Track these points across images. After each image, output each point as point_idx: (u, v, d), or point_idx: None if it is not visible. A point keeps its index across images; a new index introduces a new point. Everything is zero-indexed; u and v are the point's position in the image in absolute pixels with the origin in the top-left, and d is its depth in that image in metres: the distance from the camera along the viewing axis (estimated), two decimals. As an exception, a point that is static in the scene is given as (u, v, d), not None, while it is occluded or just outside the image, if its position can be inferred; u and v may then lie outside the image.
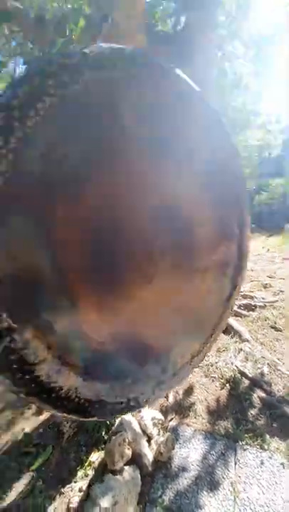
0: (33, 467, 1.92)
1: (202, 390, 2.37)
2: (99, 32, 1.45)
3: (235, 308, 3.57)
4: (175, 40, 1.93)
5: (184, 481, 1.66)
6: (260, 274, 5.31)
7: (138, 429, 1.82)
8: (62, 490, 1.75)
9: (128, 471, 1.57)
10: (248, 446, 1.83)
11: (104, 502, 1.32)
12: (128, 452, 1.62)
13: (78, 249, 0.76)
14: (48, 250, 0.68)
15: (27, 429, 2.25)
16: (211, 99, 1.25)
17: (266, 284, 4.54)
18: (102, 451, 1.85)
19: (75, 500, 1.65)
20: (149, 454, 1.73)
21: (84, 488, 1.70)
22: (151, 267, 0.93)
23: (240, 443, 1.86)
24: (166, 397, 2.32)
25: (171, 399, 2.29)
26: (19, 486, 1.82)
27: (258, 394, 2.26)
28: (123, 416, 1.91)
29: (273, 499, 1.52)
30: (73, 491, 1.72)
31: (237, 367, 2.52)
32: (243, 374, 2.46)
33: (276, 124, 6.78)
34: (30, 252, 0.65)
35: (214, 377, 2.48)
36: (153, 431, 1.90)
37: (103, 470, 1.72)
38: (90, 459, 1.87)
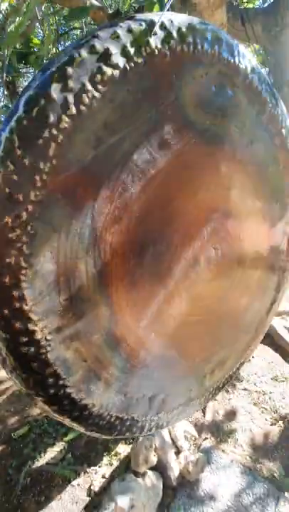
0: (66, 438, 2.05)
1: (247, 419, 2.08)
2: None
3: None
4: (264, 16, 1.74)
5: (209, 510, 1.48)
6: None
7: (168, 439, 1.72)
8: (87, 469, 1.81)
9: (151, 477, 1.49)
10: (297, 503, 1.50)
11: (121, 501, 1.28)
12: (153, 459, 1.54)
13: (124, 244, 0.65)
14: (94, 254, 0.59)
15: (67, 402, 2.43)
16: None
17: None
18: (129, 446, 1.83)
19: (97, 484, 1.69)
20: (175, 467, 1.61)
21: (107, 475, 1.72)
22: (197, 273, 0.83)
23: (287, 494, 1.54)
24: (203, 412, 2.13)
25: (208, 417, 2.10)
26: (52, 452, 1.97)
27: None
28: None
29: None
30: (97, 474, 1.76)
31: (296, 404, 2.12)
32: (303, 415, 2.05)
33: None
34: (77, 257, 0.57)
35: (265, 409, 2.15)
36: (184, 444, 1.76)
37: (127, 466, 1.69)
38: (116, 449, 1.88)
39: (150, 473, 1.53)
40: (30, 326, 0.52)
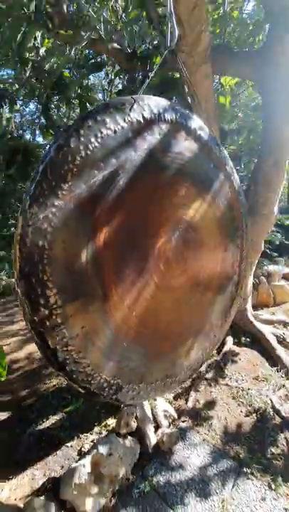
0: (66, 409, 2.41)
1: (224, 410, 2.32)
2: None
3: (293, 344, 3.19)
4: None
5: (177, 476, 1.75)
6: None
7: (149, 413, 2.01)
8: (80, 435, 2.14)
9: (130, 441, 1.80)
10: (254, 478, 1.73)
11: (102, 448, 1.60)
12: (133, 425, 1.85)
13: (114, 243, 0.90)
14: (91, 244, 0.85)
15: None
16: None
17: None
18: (117, 419, 2.14)
19: (87, 447, 2.01)
20: (152, 437, 1.90)
21: (95, 441, 2.04)
22: (169, 266, 1.15)
23: (246, 470, 1.78)
24: (186, 400, 2.40)
25: (190, 404, 2.36)
26: (52, 419, 2.33)
27: (286, 436, 2.04)
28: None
29: (262, 537, 1.43)
30: (87, 439, 2.08)
31: (272, 401, 2.32)
32: (276, 411, 2.25)
33: None
34: (79, 244, 0.82)
35: (242, 402, 2.37)
36: (163, 421, 2.05)
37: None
38: (106, 421, 2.19)
39: (130, 438, 1.83)
40: (46, 291, 0.73)
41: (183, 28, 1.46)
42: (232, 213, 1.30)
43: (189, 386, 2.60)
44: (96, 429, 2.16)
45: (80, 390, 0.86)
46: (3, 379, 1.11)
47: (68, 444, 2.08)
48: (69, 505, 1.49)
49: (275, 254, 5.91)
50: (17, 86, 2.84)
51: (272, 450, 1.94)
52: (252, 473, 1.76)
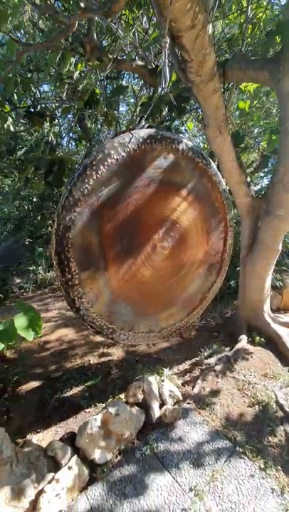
0: (86, 384, 2.78)
1: (228, 398, 2.46)
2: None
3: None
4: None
5: (175, 446, 1.98)
6: None
7: (155, 389, 2.26)
8: (97, 404, 2.48)
9: (136, 409, 2.08)
10: (246, 457, 1.88)
11: (111, 408, 1.91)
12: (139, 396, 2.12)
13: (113, 234, 1.30)
14: (98, 235, 1.22)
15: (91, 361, 3.18)
16: None
17: None
18: (128, 395, 2.43)
19: (99, 416, 2.33)
20: (156, 411, 2.15)
21: (109, 410, 2.35)
22: (155, 252, 1.42)
23: (240, 450, 1.93)
24: (193, 387, 2.59)
25: (196, 390, 2.55)
26: (75, 390, 2.71)
27: (285, 428, 2.13)
28: (149, 378, 2.41)
29: (239, 508, 1.59)
30: (102, 409, 2.41)
31: (276, 396, 2.40)
32: (279, 405, 2.33)
33: None
34: (90, 235, 1.20)
35: (246, 394, 2.49)
36: (168, 400, 2.28)
37: (123, 405, 2.30)
38: (120, 395, 2.50)
39: (137, 407, 2.11)
40: (69, 263, 1.16)
41: (188, 54, 1.68)
42: (216, 212, 1.52)
43: (197, 376, 2.78)
44: (110, 400, 2.48)
45: (89, 327, 1.30)
46: (39, 335, 1.48)
47: (87, 410, 2.44)
48: (82, 453, 1.82)
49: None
50: (56, 105, 3.31)
51: (270, 439, 2.05)
52: (245, 454, 1.91)
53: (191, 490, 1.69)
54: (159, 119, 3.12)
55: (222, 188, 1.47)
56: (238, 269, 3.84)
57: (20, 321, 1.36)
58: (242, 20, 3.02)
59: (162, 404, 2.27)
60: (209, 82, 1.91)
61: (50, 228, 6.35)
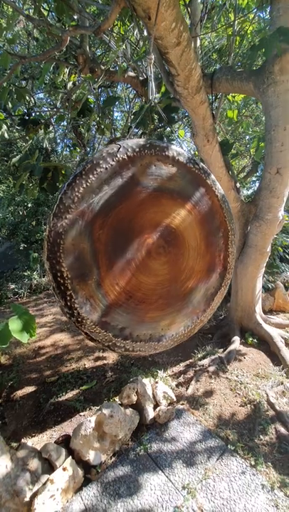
0: (82, 388, 2.80)
1: (221, 399, 2.51)
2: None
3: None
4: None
5: (169, 446, 2.02)
6: None
7: (149, 391, 2.30)
8: (92, 407, 2.51)
9: (130, 410, 2.11)
10: (237, 455, 1.93)
11: (105, 410, 1.95)
12: (133, 397, 2.16)
13: (106, 241, 1.36)
14: (90, 241, 1.26)
15: (86, 365, 3.20)
16: None
17: None
18: (122, 397, 2.46)
19: (94, 418, 2.36)
20: (150, 412, 2.19)
21: (103, 412, 2.38)
22: (150, 259, 1.48)
23: (232, 448, 1.97)
24: (187, 388, 2.64)
25: (189, 391, 2.59)
26: (70, 394, 2.73)
27: (276, 426, 2.18)
28: (143, 380, 2.45)
29: (230, 504, 1.64)
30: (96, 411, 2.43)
31: (268, 395, 2.46)
32: (270, 404, 2.39)
33: None
34: (82, 241, 1.22)
35: (238, 394, 2.54)
36: (162, 401, 2.32)
37: (118, 407, 2.33)
38: (115, 398, 2.53)
39: (131, 409, 2.14)
40: (61, 269, 1.20)
41: (175, 69, 1.78)
42: (213, 217, 1.56)
43: (191, 377, 2.83)
44: (105, 402, 2.51)
45: (83, 334, 1.26)
46: (33, 337, 1.51)
47: (82, 414, 2.46)
48: (76, 454, 1.85)
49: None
50: (50, 113, 3.40)
51: (261, 437, 2.10)
52: (236, 452, 1.95)
53: (183, 488, 1.72)
54: (151, 127, 3.22)
55: (218, 192, 1.52)
56: (230, 271, 3.92)
57: (14, 324, 1.40)
58: (230, 33, 3.16)
59: (156, 405, 2.31)
60: (196, 94, 2.01)
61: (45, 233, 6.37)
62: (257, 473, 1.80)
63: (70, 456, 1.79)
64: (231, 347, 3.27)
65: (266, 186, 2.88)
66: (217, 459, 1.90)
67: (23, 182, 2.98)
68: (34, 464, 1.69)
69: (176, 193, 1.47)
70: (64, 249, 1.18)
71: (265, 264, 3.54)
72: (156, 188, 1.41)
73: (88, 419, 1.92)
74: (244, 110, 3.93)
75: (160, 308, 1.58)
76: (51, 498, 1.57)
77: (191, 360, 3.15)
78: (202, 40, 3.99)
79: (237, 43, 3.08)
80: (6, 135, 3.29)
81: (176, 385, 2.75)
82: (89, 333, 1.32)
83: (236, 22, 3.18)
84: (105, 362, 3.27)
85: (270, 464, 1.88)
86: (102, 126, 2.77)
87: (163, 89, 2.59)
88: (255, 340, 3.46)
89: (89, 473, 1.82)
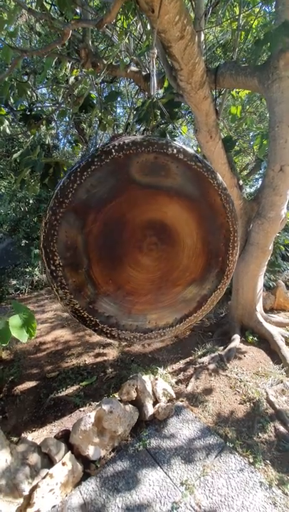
0: (82, 383, 2.81)
1: (221, 396, 2.52)
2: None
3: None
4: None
5: (168, 442, 2.03)
6: None
7: (149, 388, 2.31)
8: (91, 403, 2.52)
9: (130, 406, 2.12)
10: (236, 453, 1.93)
11: (105, 406, 1.95)
12: (133, 394, 2.16)
13: (97, 234, 1.35)
14: (82, 234, 1.29)
15: (87, 361, 3.21)
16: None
17: None
18: (122, 393, 2.47)
19: (93, 414, 2.37)
20: (150, 408, 2.20)
21: (103, 408, 2.39)
22: (142, 254, 1.47)
23: (230, 445, 1.98)
24: (186, 385, 2.65)
25: (189, 388, 2.60)
26: (70, 389, 2.75)
27: (275, 425, 2.18)
28: (143, 376, 2.46)
29: (228, 501, 1.65)
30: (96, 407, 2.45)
31: (267, 393, 2.46)
32: (270, 402, 2.39)
33: None
34: (74, 233, 1.25)
35: (238, 392, 2.54)
36: (161, 398, 2.33)
37: (117, 403, 2.35)
38: (114, 394, 2.54)
39: (130, 405, 2.15)
40: (54, 257, 1.23)
41: (178, 63, 1.75)
42: (215, 217, 1.53)
43: (191, 374, 2.83)
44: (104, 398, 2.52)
45: (72, 316, 1.33)
46: (33, 337, 1.51)
47: (81, 409, 2.48)
48: (76, 449, 1.86)
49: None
50: (52, 108, 3.37)
51: (260, 435, 2.11)
52: (235, 449, 1.96)
53: (182, 484, 1.73)
54: (154, 123, 3.19)
55: (222, 192, 1.49)
56: (231, 269, 3.91)
57: (15, 322, 1.40)
58: (234, 27, 3.11)
59: (156, 402, 2.32)
60: (199, 89, 1.98)
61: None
62: (255, 470, 1.81)
63: (70, 451, 1.81)
64: (231, 345, 3.27)
65: (269, 184, 2.85)
66: (216, 456, 1.91)
67: (25, 178, 2.97)
68: (34, 458, 1.70)
69: (173, 190, 1.44)
70: (57, 240, 1.22)
71: (266, 263, 3.53)
72: (151, 185, 1.39)
73: (88, 415, 1.93)
74: (248, 106, 3.88)
75: (149, 302, 1.57)
76: (50, 492, 1.58)
77: (191, 358, 3.15)
78: (206, 35, 3.93)
79: (242, 37, 3.03)
80: (7, 130, 3.27)
81: (176, 382, 2.75)
82: (76, 315, 1.35)
83: (241, 16, 3.13)
84: (105, 358, 3.28)
85: (268, 461, 1.88)
86: (105, 122, 2.75)
87: (166, 84, 2.56)
88: (255, 338, 3.45)
89: (88, 468, 1.83)
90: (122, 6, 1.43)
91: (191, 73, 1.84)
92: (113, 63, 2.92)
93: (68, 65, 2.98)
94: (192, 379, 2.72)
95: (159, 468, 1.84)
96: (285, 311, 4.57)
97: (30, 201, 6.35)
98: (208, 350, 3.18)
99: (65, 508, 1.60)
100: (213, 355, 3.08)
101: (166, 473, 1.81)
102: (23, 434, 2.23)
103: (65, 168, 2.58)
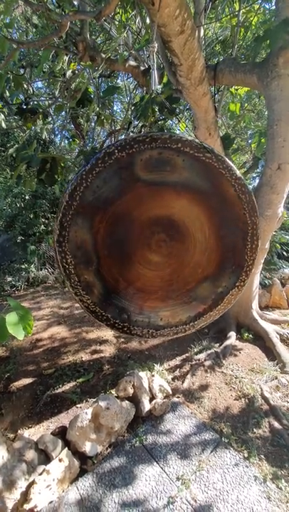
0: (79, 380, 2.82)
1: (216, 392, 2.54)
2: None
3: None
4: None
5: (164, 438, 2.04)
6: None
7: (145, 384, 2.32)
8: (88, 399, 2.53)
9: (126, 402, 2.13)
10: (231, 448, 1.96)
11: (101, 402, 1.96)
12: (130, 390, 2.17)
13: (105, 233, 1.34)
14: (90, 234, 1.29)
15: (84, 358, 3.21)
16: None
17: None
18: (118, 390, 2.48)
19: (90, 410, 2.38)
20: (146, 404, 2.21)
21: (100, 405, 2.40)
22: (150, 252, 1.46)
23: (226, 441, 2.01)
24: (182, 382, 2.67)
25: (185, 385, 2.62)
26: (67, 386, 2.75)
27: (269, 420, 2.22)
28: (139, 373, 2.47)
29: (224, 495, 1.67)
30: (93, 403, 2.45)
31: (262, 389, 2.49)
32: (264, 398, 2.42)
33: None
34: (83, 233, 1.27)
35: (233, 388, 2.57)
36: (158, 394, 2.34)
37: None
38: (111, 390, 2.55)
39: (127, 401, 2.16)
40: (66, 256, 1.23)
41: (178, 58, 1.73)
42: (229, 209, 1.41)
43: (187, 371, 2.85)
44: (101, 394, 2.53)
45: (84, 309, 1.37)
46: (30, 334, 1.51)
47: (78, 406, 2.48)
48: (72, 446, 1.87)
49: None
50: (49, 102, 3.32)
51: (255, 430, 2.14)
52: (230, 444, 1.99)
53: (178, 479, 1.75)
54: (152, 119, 3.17)
55: (236, 182, 1.38)
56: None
57: (11, 319, 1.39)
58: (234, 24, 3.08)
59: (152, 398, 2.33)
60: (198, 85, 1.97)
61: (42, 226, 6.32)
62: (250, 465, 1.84)
63: (66, 448, 1.81)
64: (227, 342, 3.30)
65: (267, 182, 2.86)
66: (211, 451, 1.93)
67: (21, 173, 2.93)
68: (30, 454, 1.70)
69: (180, 185, 1.41)
70: (68, 239, 1.25)
71: (263, 261, 3.55)
72: (157, 182, 1.37)
73: (85, 411, 1.94)
74: (246, 104, 3.87)
75: (160, 299, 1.57)
76: (47, 488, 1.59)
77: (187, 355, 3.18)
78: (205, 31, 3.90)
79: (241, 34, 3.01)
80: (3, 124, 3.22)
81: (172, 379, 2.77)
82: (88, 309, 1.38)
83: (241, 12, 3.11)
84: (102, 355, 3.28)
85: (262, 456, 1.91)
86: (102, 117, 2.71)
87: (165, 79, 2.53)
88: (250, 335, 3.49)
89: (85, 464, 1.84)
90: (121, -1, 1.40)
91: (191, 69, 1.83)
92: (111, 57, 2.88)
93: (66, 58, 2.93)
94: (188, 375, 2.75)
95: (155, 463, 1.86)
96: (280, 309, 4.61)
97: (27, 197, 6.28)
98: (205, 347, 3.21)
99: (61, 503, 1.60)
100: (209, 352, 3.10)
101: (162, 468, 1.82)
102: (19, 431, 2.23)
103: (62, 164, 2.55)
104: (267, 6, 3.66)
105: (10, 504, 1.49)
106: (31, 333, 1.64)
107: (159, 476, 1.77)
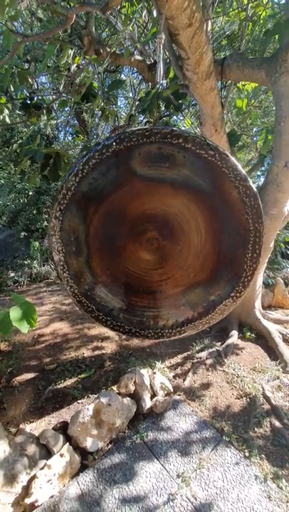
0: (80, 376, 2.83)
1: (218, 391, 2.54)
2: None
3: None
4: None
5: (165, 435, 2.05)
6: None
7: (147, 381, 2.32)
8: (90, 395, 2.54)
9: (128, 399, 2.14)
10: (232, 446, 1.96)
11: (103, 398, 1.96)
12: (131, 387, 2.18)
13: (98, 225, 1.32)
14: (83, 224, 1.29)
15: (85, 354, 3.23)
16: None
17: None
18: (120, 387, 2.49)
19: (92, 406, 2.39)
20: (148, 401, 2.22)
21: (101, 401, 2.41)
22: (141, 249, 1.44)
23: (226, 439, 2.01)
24: (184, 380, 2.66)
25: (186, 383, 2.62)
26: (69, 381, 2.76)
27: (271, 420, 2.21)
28: (141, 370, 2.47)
29: (224, 493, 1.67)
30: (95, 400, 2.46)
31: (263, 389, 2.48)
32: (266, 398, 2.41)
33: None
34: (76, 223, 1.27)
35: (235, 387, 2.57)
36: (159, 392, 2.35)
37: (115, 396, 2.36)
38: (112, 387, 2.56)
39: (128, 398, 2.17)
40: (58, 245, 1.24)
41: (185, 52, 1.70)
42: (230, 213, 1.35)
43: (188, 369, 2.85)
44: (103, 391, 2.54)
45: (71, 298, 1.38)
46: (34, 328, 1.51)
47: (80, 401, 2.49)
48: (74, 441, 1.88)
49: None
50: (53, 97, 3.29)
51: (256, 429, 2.14)
52: (231, 443, 1.98)
53: (178, 476, 1.76)
54: (157, 114, 3.13)
55: (241, 183, 1.31)
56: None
57: (15, 313, 1.39)
58: (242, 18, 3.02)
59: (153, 395, 2.34)
60: (206, 80, 1.93)
61: (46, 222, 6.32)
62: (251, 464, 1.84)
63: (68, 443, 1.82)
64: (229, 341, 3.29)
65: (273, 180, 2.82)
66: (212, 450, 1.93)
67: (25, 169, 2.91)
68: (32, 449, 1.71)
69: (178, 183, 1.38)
70: (61, 228, 1.27)
71: (266, 260, 3.52)
72: (155, 177, 1.34)
73: (86, 407, 1.94)
74: (253, 100, 3.81)
75: (147, 298, 1.53)
76: (48, 482, 1.60)
77: (188, 353, 3.17)
78: (212, 25, 3.83)
79: (249, 29, 2.95)
80: (7, 119, 3.20)
81: (174, 377, 2.77)
82: (75, 298, 1.39)
83: (249, 6, 3.04)
84: (104, 352, 3.29)
85: (263, 455, 1.91)
86: (107, 113, 2.68)
87: (171, 74, 2.49)
88: (253, 335, 3.47)
89: (86, 459, 1.85)
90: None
91: (198, 63, 1.79)
92: (117, 51, 2.84)
93: (70, 52, 2.89)
94: (190, 373, 2.74)
95: (155, 460, 1.86)
96: (283, 309, 4.58)
97: (30, 193, 6.28)
98: (206, 346, 3.20)
99: (62, 498, 1.62)
100: (210, 350, 3.10)
101: (162, 465, 1.83)
102: (21, 426, 2.24)
103: (66, 160, 2.54)
104: (276, 0, 3.58)
105: (11, 498, 1.51)
106: (35, 326, 1.64)
107: (159, 473, 1.78)
